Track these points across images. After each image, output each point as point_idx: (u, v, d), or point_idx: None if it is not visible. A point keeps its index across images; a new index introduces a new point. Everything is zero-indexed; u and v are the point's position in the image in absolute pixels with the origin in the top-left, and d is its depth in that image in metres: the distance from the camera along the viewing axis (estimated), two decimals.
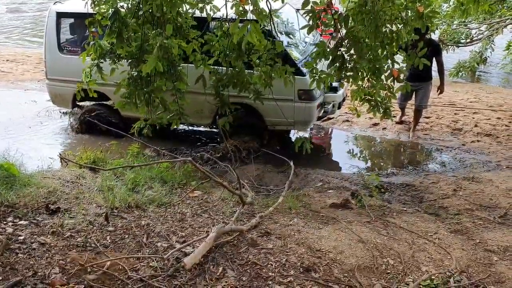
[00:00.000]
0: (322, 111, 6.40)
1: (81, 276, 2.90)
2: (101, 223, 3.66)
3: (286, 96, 5.73)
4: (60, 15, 6.64)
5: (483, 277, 3.20)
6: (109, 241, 3.43)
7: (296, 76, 5.27)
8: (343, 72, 4.46)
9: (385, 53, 4.34)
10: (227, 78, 5.22)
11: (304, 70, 5.53)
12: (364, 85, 4.73)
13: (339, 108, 6.73)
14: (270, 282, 2.99)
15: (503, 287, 3.09)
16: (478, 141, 6.91)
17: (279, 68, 4.80)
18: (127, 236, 3.53)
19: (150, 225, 3.72)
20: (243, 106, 5.88)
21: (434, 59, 6.74)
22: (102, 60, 4.86)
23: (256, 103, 5.59)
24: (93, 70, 4.87)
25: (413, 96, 7.18)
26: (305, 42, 6.59)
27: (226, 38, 4.97)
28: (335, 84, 6.10)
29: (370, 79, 4.58)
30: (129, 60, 4.71)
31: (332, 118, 7.24)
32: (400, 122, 7.61)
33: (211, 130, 7.14)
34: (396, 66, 4.51)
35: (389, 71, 4.46)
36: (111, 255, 3.20)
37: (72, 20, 6.80)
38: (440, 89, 7.16)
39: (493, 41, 10.44)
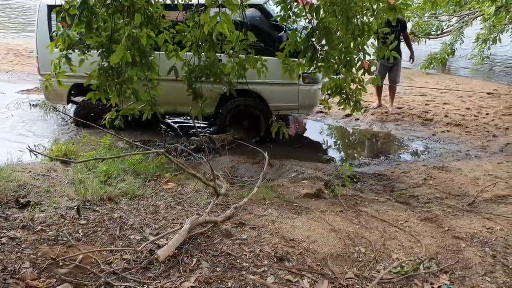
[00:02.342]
0: None
1: (53, 270, 2.86)
2: (72, 216, 3.60)
3: (290, 79, 5.72)
4: (52, 8, 6.43)
5: (452, 263, 3.27)
6: (81, 234, 3.38)
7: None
8: (315, 63, 4.47)
9: (355, 44, 4.36)
10: (200, 69, 5.17)
11: None
12: (335, 77, 4.76)
13: None
14: (244, 272, 2.99)
15: (470, 272, 3.18)
16: (448, 131, 7.06)
17: (252, 59, 4.79)
18: (99, 229, 3.48)
19: (123, 217, 3.68)
20: (247, 92, 5.81)
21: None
22: (71, 51, 4.75)
23: (260, 89, 5.55)
24: (61, 61, 4.75)
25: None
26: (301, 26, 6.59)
27: (198, 29, 4.92)
28: None
29: (340, 71, 4.60)
30: (99, 51, 4.62)
31: None
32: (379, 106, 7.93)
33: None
34: (367, 58, 4.54)
35: (359, 63, 4.50)
36: (84, 248, 3.15)
37: None
38: (412, 57, 7.86)
39: (462, 33, 10.70)
